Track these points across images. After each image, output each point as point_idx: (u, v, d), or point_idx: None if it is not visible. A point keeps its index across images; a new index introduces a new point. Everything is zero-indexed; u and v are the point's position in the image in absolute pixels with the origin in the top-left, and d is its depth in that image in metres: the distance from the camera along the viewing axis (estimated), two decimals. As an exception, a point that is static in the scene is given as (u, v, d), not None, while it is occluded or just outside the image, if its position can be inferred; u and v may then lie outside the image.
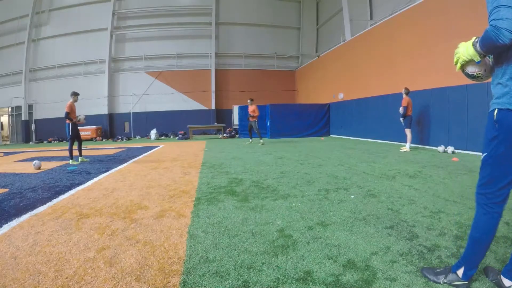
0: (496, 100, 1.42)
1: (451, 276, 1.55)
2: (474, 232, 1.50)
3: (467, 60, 1.47)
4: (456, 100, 7.40)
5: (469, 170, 4.67)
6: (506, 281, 1.48)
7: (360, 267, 1.75)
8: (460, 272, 1.53)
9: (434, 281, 1.56)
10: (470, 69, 1.55)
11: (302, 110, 14.55)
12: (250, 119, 10.65)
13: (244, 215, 2.76)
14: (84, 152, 7.88)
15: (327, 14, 18.69)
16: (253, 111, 10.44)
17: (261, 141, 10.64)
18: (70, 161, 6.84)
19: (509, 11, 1.22)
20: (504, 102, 1.37)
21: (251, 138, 11.34)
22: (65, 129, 6.91)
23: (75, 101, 6.92)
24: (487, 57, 1.51)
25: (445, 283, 1.54)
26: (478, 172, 1.53)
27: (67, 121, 6.71)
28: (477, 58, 1.44)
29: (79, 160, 7.07)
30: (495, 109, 1.41)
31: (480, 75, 1.54)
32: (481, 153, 1.52)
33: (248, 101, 10.69)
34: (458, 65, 1.53)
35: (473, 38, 1.45)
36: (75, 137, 6.94)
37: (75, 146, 7.00)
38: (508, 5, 1.22)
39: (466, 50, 1.46)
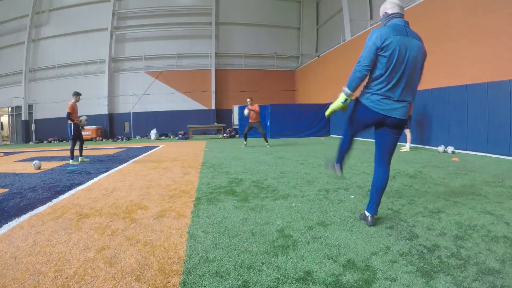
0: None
1: (333, 166, 2.67)
2: (341, 147, 2.59)
3: (340, 105, 2.33)
4: (456, 100, 7.39)
5: (469, 170, 4.67)
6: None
7: (360, 267, 1.75)
8: (338, 167, 2.65)
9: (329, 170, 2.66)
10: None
11: (302, 110, 14.53)
12: (255, 120, 9.21)
13: (244, 215, 2.76)
14: (84, 152, 7.87)
15: (327, 14, 18.69)
16: (255, 108, 9.13)
17: (268, 144, 9.54)
18: (70, 161, 6.84)
19: (365, 58, 2.14)
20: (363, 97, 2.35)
21: (246, 139, 9.83)
22: (67, 129, 6.91)
23: (77, 101, 6.91)
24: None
25: (330, 170, 2.71)
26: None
27: (69, 121, 6.72)
28: (346, 98, 2.28)
29: (79, 160, 7.08)
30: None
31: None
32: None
33: (248, 100, 9.20)
34: (330, 111, 2.46)
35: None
36: (77, 138, 6.94)
37: (76, 147, 7.00)
38: (365, 55, 2.14)
39: (337, 100, 2.33)
